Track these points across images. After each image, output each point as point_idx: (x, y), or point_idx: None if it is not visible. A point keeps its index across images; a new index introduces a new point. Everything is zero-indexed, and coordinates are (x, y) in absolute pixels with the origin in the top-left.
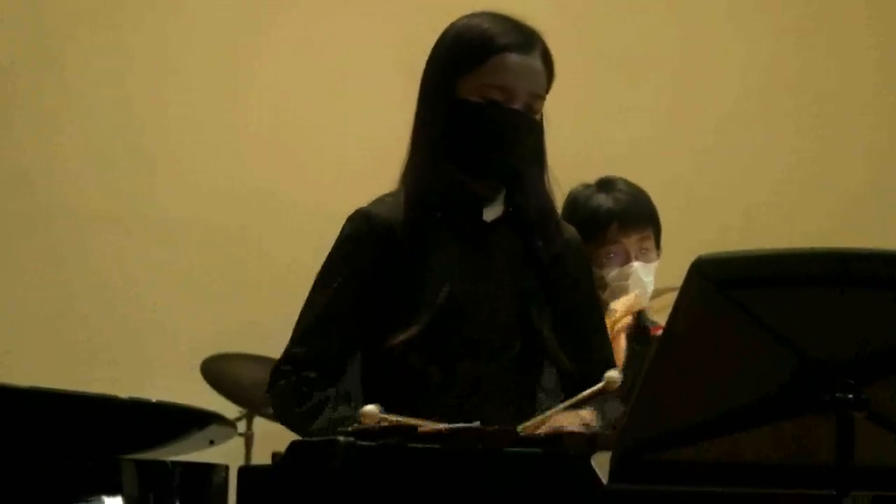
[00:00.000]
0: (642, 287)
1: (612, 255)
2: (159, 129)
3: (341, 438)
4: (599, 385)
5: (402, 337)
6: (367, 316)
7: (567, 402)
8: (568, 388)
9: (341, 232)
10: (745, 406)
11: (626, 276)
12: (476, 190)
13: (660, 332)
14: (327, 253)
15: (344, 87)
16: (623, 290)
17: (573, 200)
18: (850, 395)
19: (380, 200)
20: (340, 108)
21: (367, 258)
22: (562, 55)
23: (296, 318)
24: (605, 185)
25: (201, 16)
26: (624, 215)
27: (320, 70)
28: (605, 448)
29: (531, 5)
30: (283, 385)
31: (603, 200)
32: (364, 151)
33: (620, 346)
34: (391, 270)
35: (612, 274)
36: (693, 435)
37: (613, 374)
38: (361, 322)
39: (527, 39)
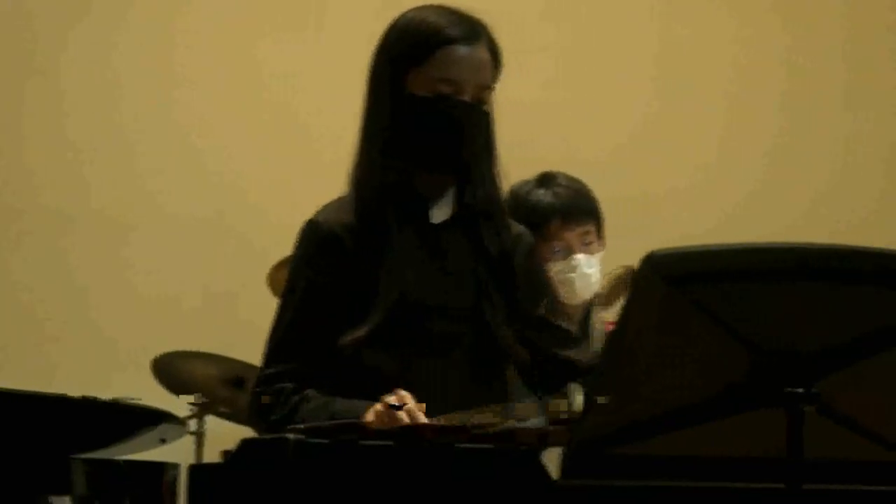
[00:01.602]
0: (586, 280)
1: (555, 250)
2: (111, 126)
3: (291, 436)
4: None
5: (353, 336)
6: (332, 324)
7: (531, 403)
8: (529, 376)
9: (295, 246)
10: (698, 401)
11: (571, 269)
12: (426, 184)
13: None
14: (279, 251)
15: (322, 83)
16: (567, 283)
17: (514, 197)
18: (801, 390)
19: (328, 206)
20: (307, 109)
21: (321, 268)
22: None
23: (246, 315)
24: (545, 180)
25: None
26: (565, 210)
27: (296, 69)
28: (557, 444)
29: None
30: (258, 401)
31: (543, 196)
32: (320, 154)
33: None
34: (346, 274)
35: (556, 268)
36: (646, 430)
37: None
38: (328, 331)
39: (473, 31)
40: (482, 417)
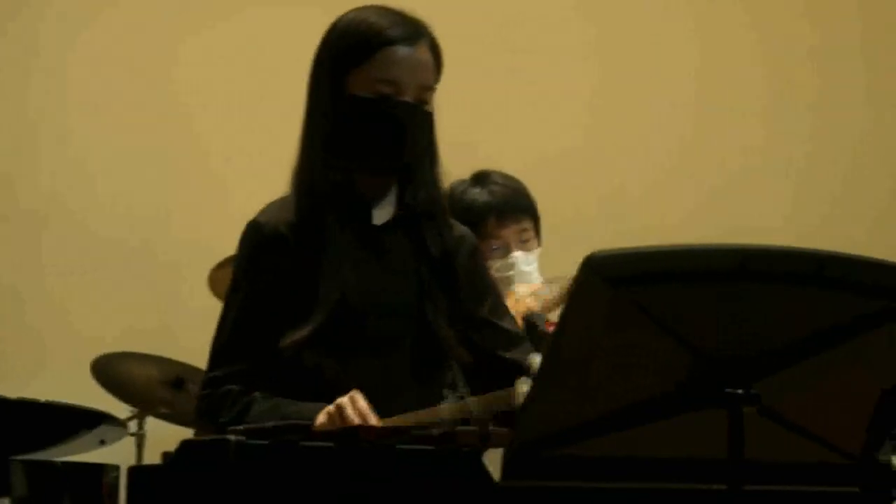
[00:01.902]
0: (526, 277)
1: (493, 248)
2: (62, 129)
3: (232, 437)
4: (506, 394)
5: (294, 337)
6: (276, 324)
7: (472, 400)
8: (472, 377)
9: (238, 247)
10: (640, 402)
11: (510, 267)
12: (368, 185)
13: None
14: (221, 255)
15: (250, 94)
16: (507, 281)
17: (449, 196)
18: (741, 391)
19: (271, 206)
20: (244, 118)
21: (263, 270)
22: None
23: (188, 317)
24: (480, 178)
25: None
26: (500, 208)
27: (227, 79)
28: (498, 445)
29: None
30: (205, 403)
31: (478, 195)
32: (263, 160)
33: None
34: (288, 275)
35: (495, 266)
36: (587, 431)
37: (522, 388)
38: (273, 332)
39: (414, 31)
40: (420, 417)
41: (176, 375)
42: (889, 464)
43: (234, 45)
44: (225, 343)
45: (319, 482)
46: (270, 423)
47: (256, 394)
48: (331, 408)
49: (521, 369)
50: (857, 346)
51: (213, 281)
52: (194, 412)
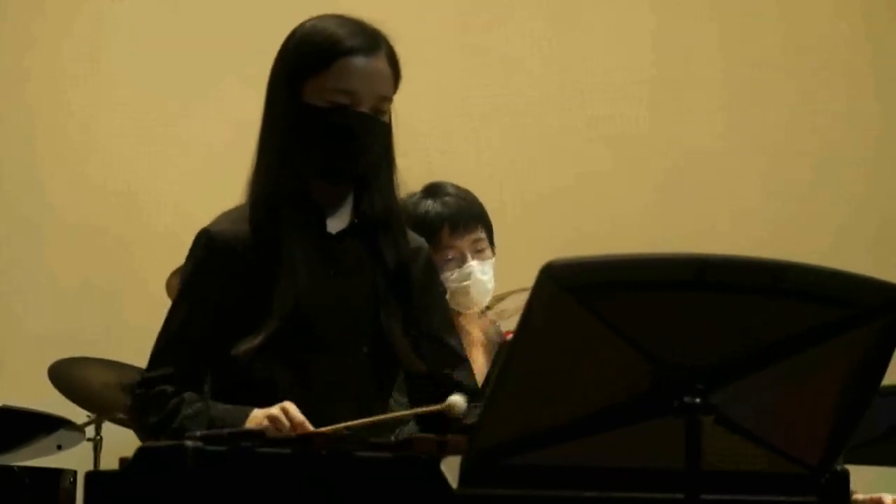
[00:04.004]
0: (482, 286)
1: (448, 258)
2: (16, 125)
3: (189, 443)
4: (440, 406)
5: (247, 345)
6: (221, 333)
7: (400, 414)
8: (417, 389)
9: (188, 254)
10: (598, 410)
11: (466, 277)
12: (322, 194)
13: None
14: (183, 259)
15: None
16: (464, 292)
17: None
18: (698, 400)
19: (223, 215)
20: (206, 109)
21: (213, 278)
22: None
23: (148, 322)
24: (432, 190)
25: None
26: (453, 219)
27: (188, 68)
28: (456, 452)
29: None
30: (138, 402)
31: (431, 206)
32: (228, 154)
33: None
34: (240, 284)
35: (451, 276)
36: (545, 439)
37: (457, 400)
38: (216, 340)
39: (372, 42)
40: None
41: (133, 381)
42: (845, 473)
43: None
44: (164, 346)
45: (276, 488)
46: (229, 430)
47: (186, 395)
48: (263, 420)
49: (461, 390)
50: (814, 356)
51: (171, 287)
52: (128, 412)
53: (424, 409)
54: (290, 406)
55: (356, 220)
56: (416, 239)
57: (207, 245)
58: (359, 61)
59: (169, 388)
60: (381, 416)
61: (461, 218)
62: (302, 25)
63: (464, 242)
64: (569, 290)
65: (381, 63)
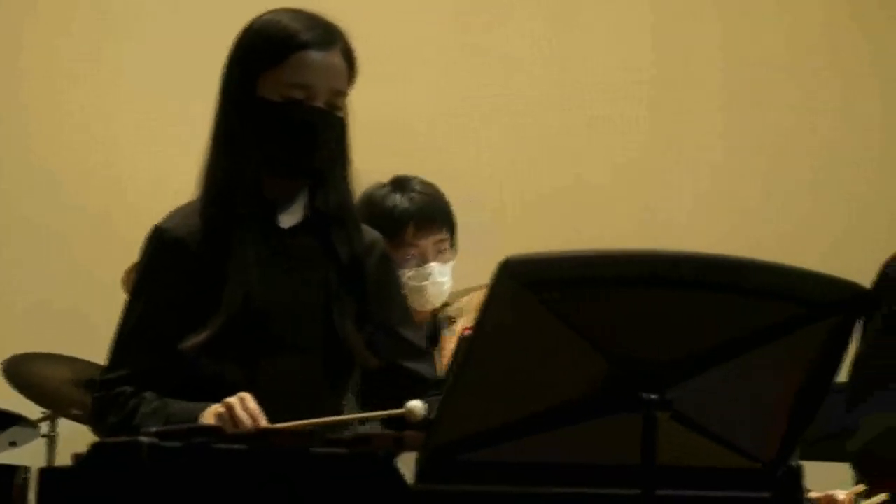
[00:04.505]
0: (439, 287)
1: (409, 256)
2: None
3: (144, 439)
4: (398, 411)
5: (194, 340)
6: (176, 329)
7: (359, 416)
8: (374, 385)
9: (141, 251)
10: (555, 406)
11: (424, 278)
12: (275, 189)
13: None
14: (135, 257)
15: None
16: (419, 291)
17: (368, 199)
18: (655, 396)
19: (175, 211)
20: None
21: (165, 274)
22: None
23: (101, 318)
24: (401, 184)
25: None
26: (420, 217)
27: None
28: (413, 448)
29: None
30: (98, 405)
31: (399, 201)
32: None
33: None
34: (192, 280)
35: (408, 274)
36: (502, 435)
37: (416, 405)
38: (172, 336)
39: (327, 36)
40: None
41: (88, 376)
42: (799, 469)
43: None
44: (122, 346)
45: (232, 484)
46: (184, 426)
47: (146, 394)
48: (219, 408)
49: (421, 381)
50: (770, 353)
51: (127, 283)
52: (89, 416)
53: (382, 412)
54: (248, 397)
55: (310, 216)
56: (370, 233)
57: (159, 241)
58: (314, 55)
59: (128, 389)
60: (339, 418)
61: (427, 217)
62: (257, 18)
63: (427, 242)
64: (527, 286)
65: (336, 58)
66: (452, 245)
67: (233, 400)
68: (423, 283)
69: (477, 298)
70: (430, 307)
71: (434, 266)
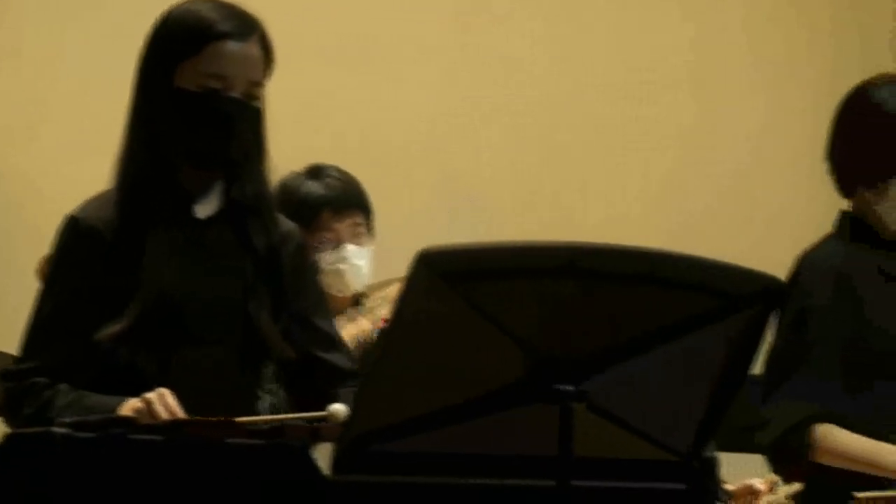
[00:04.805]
0: (357, 270)
1: (324, 240)
2: None
3: (59, 429)
4: (321, 413)
5: (108, 331)
6: (90, 320)
7: (280, 417)
8: (291, 376)
9: (54, 241)
10: (472, 397)
11: (341, 260)
12: (191, 179)
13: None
14: (43, 244)
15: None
16: (338, 274)
17: (283, 188)
18: (571, 388)
19: (89, 201)
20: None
21: (78, 264)
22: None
23: (14, 308)
24: (315, 172)
25: None
26: (336, 201)
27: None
28: (329, 439)
29: None
30: (9, 395)
31: (314, 187)
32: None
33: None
34: (106, 270)
35: (326, 258)
36: (419, 426)
37: (338, 408)
38: (85, 327)
39: (245, 26)
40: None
41: (4, 367)
42: (714, 460)
43: None
44: (34, 336)
45: (147, 475)
46: (99, 417)
47: (61, 386)
48: (137, 402)
49: (337, 372)
50: (686, 344)
51: (42, 273)
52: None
53: (303, 415)
54: (167, 392)
55: (226, 207)
56: (286, 223)
57: (73, 231)
58: (231, 46)
59: (42, 380)
60: (259, 418)
61: (343, 201)
62: (174, 8)
63: (343, 226)
64: (443, 276)
65: (253, 48)
66: (369, 231)
67: (151, 395)
68: (341, 265)
69: (397, 289)
70: (349, 292)
71: (350, 248)
